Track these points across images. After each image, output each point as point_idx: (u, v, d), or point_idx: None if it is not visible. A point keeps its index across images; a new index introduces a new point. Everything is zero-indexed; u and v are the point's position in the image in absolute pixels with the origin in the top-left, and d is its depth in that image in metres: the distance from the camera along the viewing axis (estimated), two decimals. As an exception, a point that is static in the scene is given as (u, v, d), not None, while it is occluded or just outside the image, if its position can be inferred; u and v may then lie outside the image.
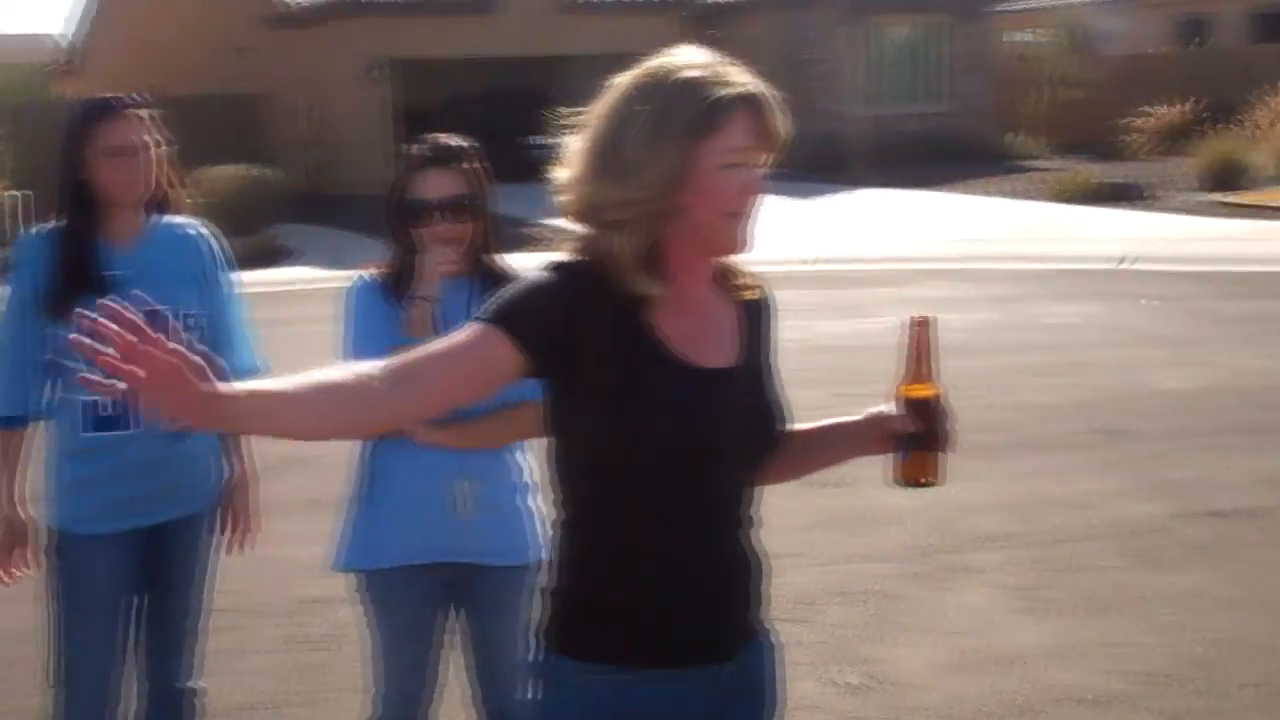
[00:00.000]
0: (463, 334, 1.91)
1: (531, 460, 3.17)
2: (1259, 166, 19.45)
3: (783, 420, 2.08)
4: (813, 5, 25.78)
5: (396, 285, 2.99)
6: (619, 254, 1.91)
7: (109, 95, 3.17)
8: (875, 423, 2.05)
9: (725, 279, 2.06)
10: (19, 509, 3.14)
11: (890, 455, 2.06)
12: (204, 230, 3.33)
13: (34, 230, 3.25)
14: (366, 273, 3.06)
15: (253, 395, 1.83)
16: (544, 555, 3.09)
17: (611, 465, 1.97)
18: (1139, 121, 24.13)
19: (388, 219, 2.99)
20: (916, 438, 2.03)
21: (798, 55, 25.72)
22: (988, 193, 19.94)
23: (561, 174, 1.97)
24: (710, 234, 1.95)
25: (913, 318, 2.05)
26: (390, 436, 2.95)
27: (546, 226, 19.55)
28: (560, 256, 1.98)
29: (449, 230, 2.93)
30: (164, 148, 3.19)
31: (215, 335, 3.21)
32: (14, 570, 3.16)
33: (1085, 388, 8.41)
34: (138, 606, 3.25)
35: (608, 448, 1.96)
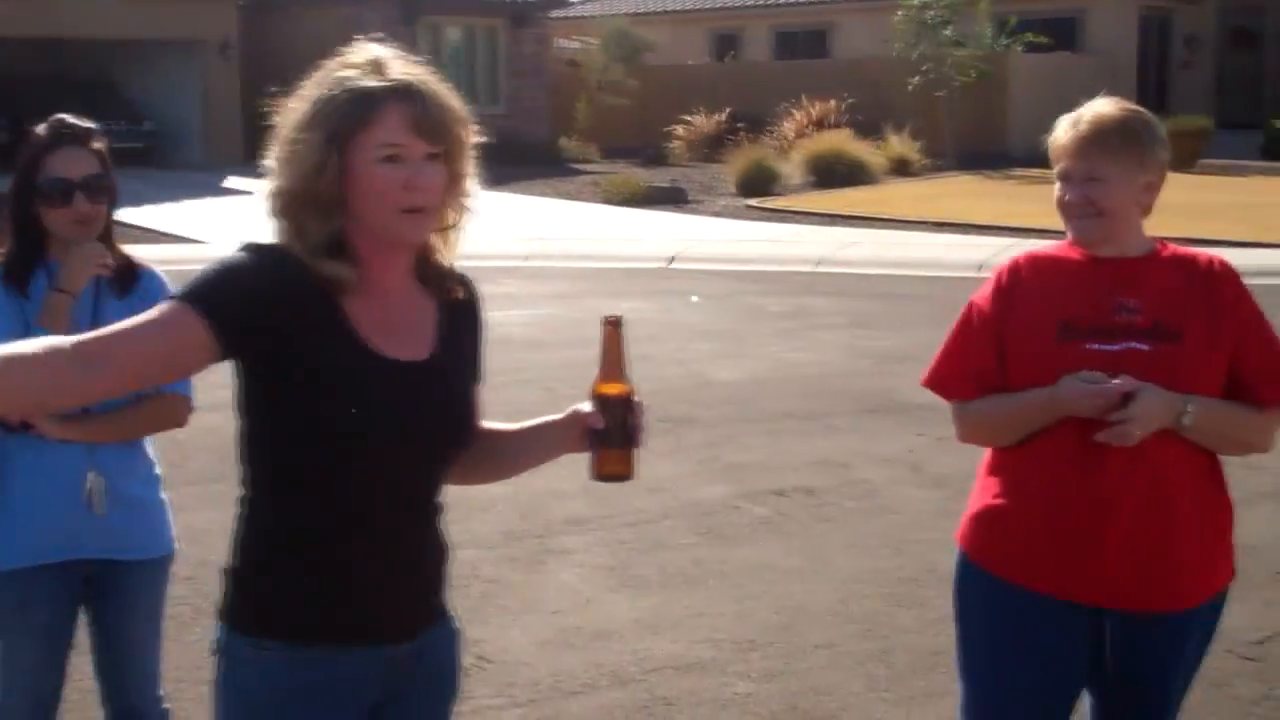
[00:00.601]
0: (159, 314, 1.89)
1: (154, 452, 3.11)
2: (787, 174, 21.04)
3: (469, 418, 2.14)
4: (365, 1, 25.64)
5: (17, 273, 2.86)
6: (300, 241, 1.95)
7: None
8: (573, 421, 2.13)
9: (429, 275, 2.10)
10: None
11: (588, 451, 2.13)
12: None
13: None
14: None
15: None
16: (174, 548, 3.07)
17: (294, 448, 2.00)
18: (680, 129, 25.55)
19: (13, 200, 2.85)
20: (609, 433, 2.10)
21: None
22: (544, 194, 20.51)
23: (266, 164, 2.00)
24: (382, 228, 1.98)
25: (605, 318, 2.14)
26: (14, 431, 2.82)
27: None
28: (258, 239, 2.00)
29: (89, 211, 2.83)
30: None
31: None
32: None
33: (648, 379, 8.75)
34: None
35: (292, 430, 1.99)
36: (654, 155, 24.88)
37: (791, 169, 21.26)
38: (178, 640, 3.90)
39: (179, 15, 24.05)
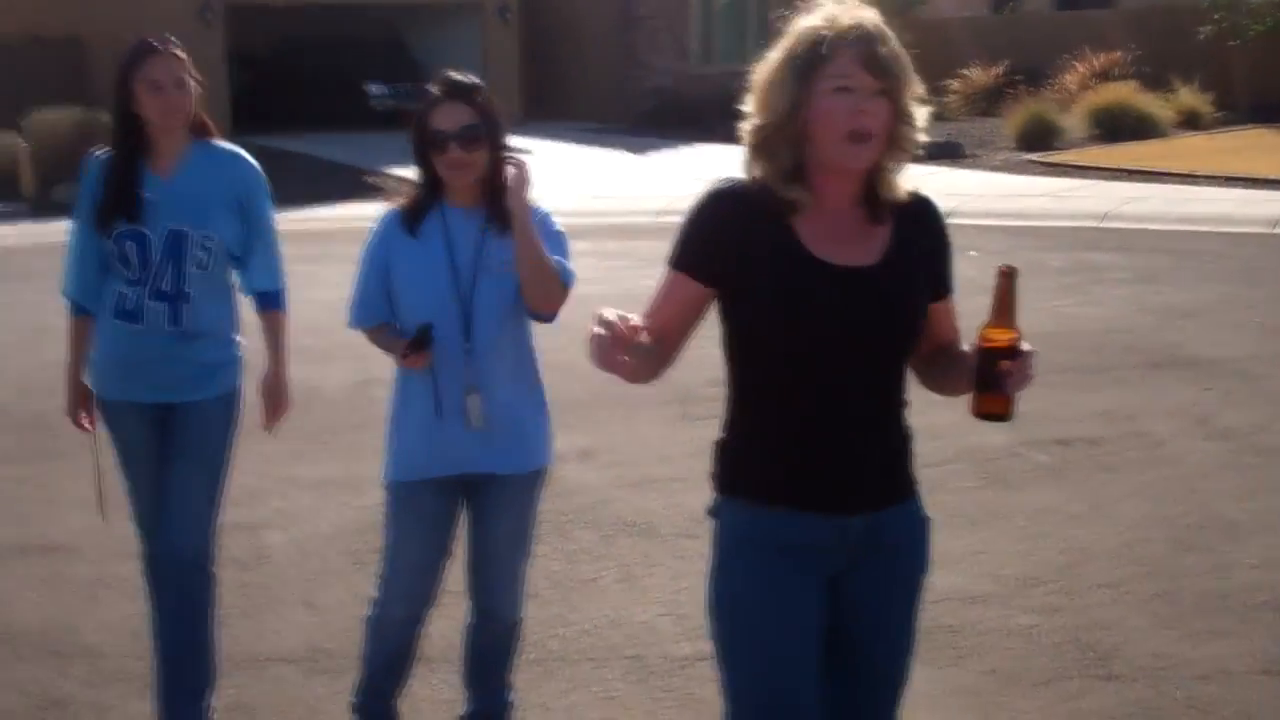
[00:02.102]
0: (662, 286, 2.44)
1: (539, 373, 3.49)
2: (1069, 128, 20.54)
3: (913, 319, 2.45)
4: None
5: (416, 215, 3.31)
6: (771, 171, 2.36)
7: (152, 37, 3.47)
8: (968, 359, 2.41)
9: (879, 201, 2.43)
10: (83, 379, 3.77)
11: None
12: (243, 158, 3.69)
13: (93, 153, 3.65)
14: (393, 205, 3.37)
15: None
16: (549, 461, 3.49)
17: (759, 346, 2.40)
18: (955, 83, 25.17)
19: (413, 150, 3.30)
20: (993, 376, 2.31)
21: (630, 10, 26.06)
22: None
23: (745, 109, 2.41)
24: (831, 153, 2.33)
25: (1000, 267, 2.35)
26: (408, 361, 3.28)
27: (388, 175, 19.64)
28: (722, 179, 2.43)
29: (462, 158, 3.24)
30: (196, 85, 3.59)
31: (239, 257, 3.69)
32: (84, 423, 3.80)
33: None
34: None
35: (757, 331, 2.39)
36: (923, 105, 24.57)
37: (1073, 122, 20.73)
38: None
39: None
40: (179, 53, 3.57)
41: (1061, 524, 5.44)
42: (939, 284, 2.51)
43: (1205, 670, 4.16)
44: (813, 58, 2.31)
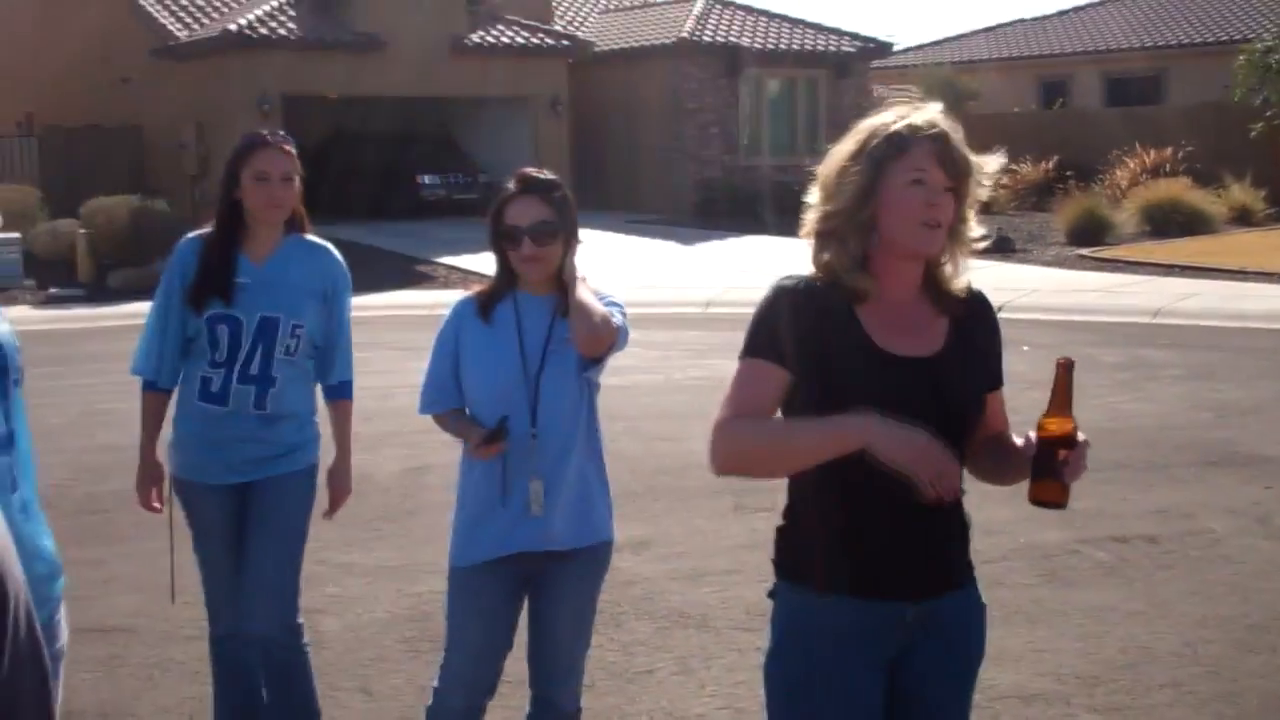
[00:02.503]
0: (744, 375, 2.44)
1: (599, 449, 3.52)
2: (1120, 224, 20.57)
3: (971, 410, 2.50)
4: (694, 55, 26.46)
5: (490, 302, 3.37)
6: (837, 258, 2.40)
7: (265, 131, 3.61)
8: (1026, 448, 2.44)
9: (939, 294, 2.50)
10: (156, 456, 3.84)
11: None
12: (332, 252, 3.80)
13: (190, 234, 3.76)
14: (470, 292, 3.46)
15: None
16: (612, 536, 3.50)
17: None
18: (1006, 178, 25.28)
19: (490, 242, 3.37)
20: (1048, 465, 2.35)
21: (681, 104, 26.38)
22: (869, 243, 20.67)
23: (808, 201, 2.47)
24: (900, 241, 2.41)
25: (1059, 360, 2.43)
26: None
27: (439, 264, 19.88)
28: (787, 273, 2.48)
29: (536, 253, 3.29)
30: (298, 178, 3.71)
31: (322, 347, 3.78)
32: (153, 504, 3.83)
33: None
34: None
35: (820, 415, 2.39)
36: (980, 205, 24.67)
37: (1125, 218, 20.78)
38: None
39: (514, 74, 25.36)
40: (289, 148, 3.70)
41: (1121, 622, 5.37)
42: (993, 376, 2.58)
43: (1272, 775, 4.08)
44: (890, 150, 2.38)
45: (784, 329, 2.41)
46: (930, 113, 2.44)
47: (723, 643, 5.17)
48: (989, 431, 2.56)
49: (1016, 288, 15.57)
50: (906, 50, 36.44)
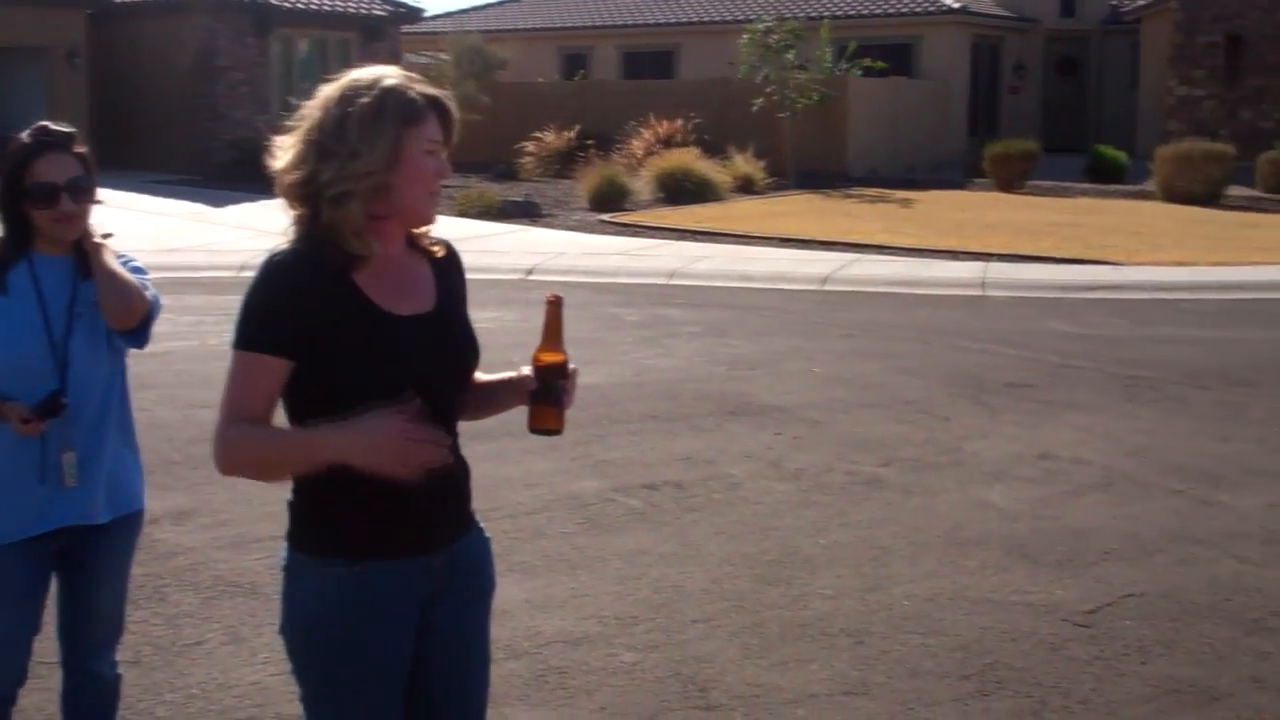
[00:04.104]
0: (236, 367, 2.37)
1: (130, 416, 3.40)
2: (638, 191, 21.58)
3: (475, 352, 2.57)
4: (220, 13, 25.50)
5: (2, 268, 3.14)
6: (346, 221, 2.34)
7: None
8: (520, 381, 2.58)
9: (415, 242, 2.54)
10: None
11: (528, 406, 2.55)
12: None
13: None
14: None
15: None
16: (144, 504, 3.38)
17: (336, 402, 2.38)
18: (531, 146, 25.93)
19: (3, 202, 3.12)
20: (545, 393, 2.52)
21: (210, 62, 25.39)
22: (398, 206, 20.65)
23: (280, 162, 2.39)
24: (411, 207, 2.43)
25: (547, 296, 2.56)
26: None
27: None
28: (273, 247, 2.40)
29: (74, 210, 3.12)
30: None
31: None
32: None
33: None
34: None
35: (333, 387, 2.38)
36: (505, 171, 25.21)
37: (641, 185, 21.80)
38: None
39: (26, 22, 23.66)
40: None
41: (655, 564, 5.72)
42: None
43: (794, 695, 4.48)
44: (413, 117, 2.39)
45: (279, 312, 2.35)
46: (416, 79, 2.47)
47: (273, 609, 5.04)
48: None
49: (544, 251, 16.04)
50: (437, 17, 36.60)
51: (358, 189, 2.35)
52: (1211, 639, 4.95)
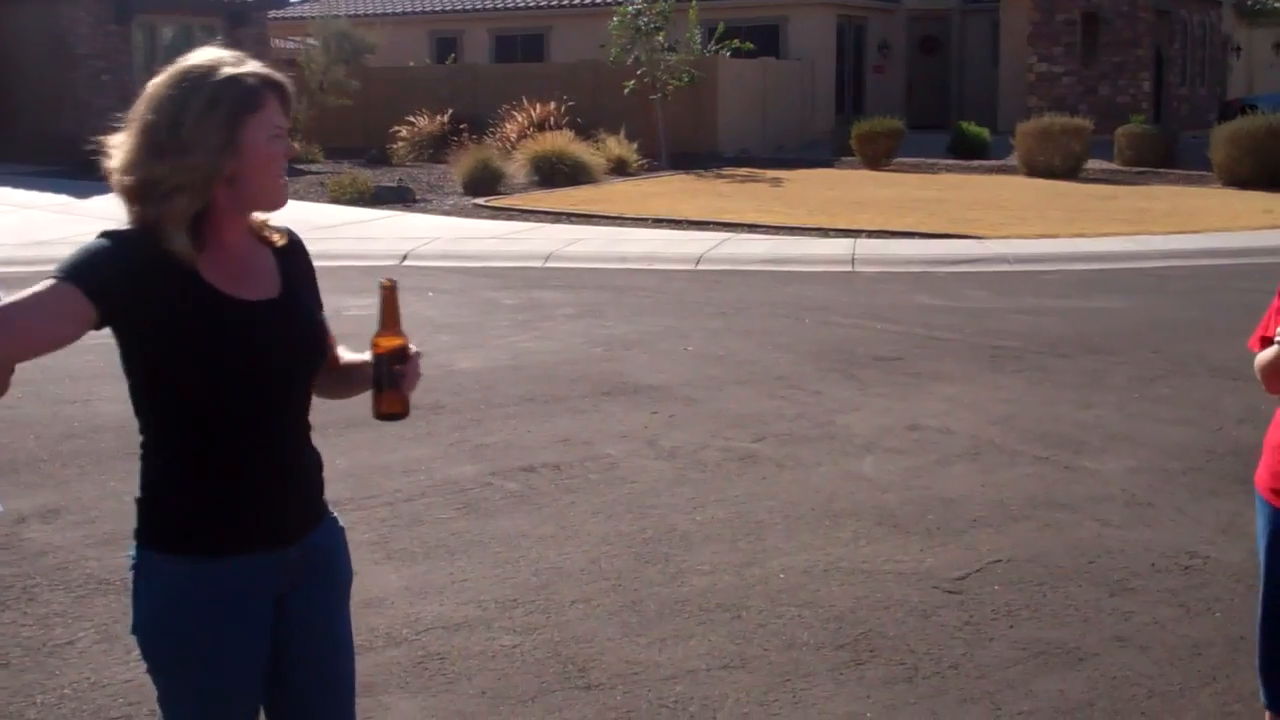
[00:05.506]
0: (42, 289, 2.19)
1: None
2: (512, 174, 21.53)
3: (323, 341, 2.54)
4: (76, -1, 24.85)
5: None
6: (174, 217, 2.28)
7: None
8: (363, 365, 2.56)
9: (258, 230, 2.50)
10: None
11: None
12: None
13: None
14: None
15: None
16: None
17: (182, 391, 2.34)
18: (403, 130, 25.69)
19: None
20: (387, 378, 2.49)
21: (69, 50, 24.71)
22: (268, 194, 20.35)
23: (114, 161, 2.32)
24: (261, 194, 2.39)
25: (381, 281, 2.55)
26: None
27: None
28: (114, 227, 2.32)
29: None
30: None
31: None
32: None
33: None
34: None
35: (173, 377, 2.34)
36: (377, 156, 24.97)
37: (515, 169, 21.75)
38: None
39: None
40: None
41: (533, 546, 5.75)
42: (319, 302, 2.62)
43: (672, 671, 4.55)
44: (251, 103, 2.33)
45: (116, 275, 2.25)
46: (256, 61, 2.41)
47: (146, 605, 5.03)
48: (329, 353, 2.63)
49: (418, 236, 15.92)
50: (304, 1, 35.99)
51: (187, 182, 2.29)
52: (1076, 601, 5.12)
